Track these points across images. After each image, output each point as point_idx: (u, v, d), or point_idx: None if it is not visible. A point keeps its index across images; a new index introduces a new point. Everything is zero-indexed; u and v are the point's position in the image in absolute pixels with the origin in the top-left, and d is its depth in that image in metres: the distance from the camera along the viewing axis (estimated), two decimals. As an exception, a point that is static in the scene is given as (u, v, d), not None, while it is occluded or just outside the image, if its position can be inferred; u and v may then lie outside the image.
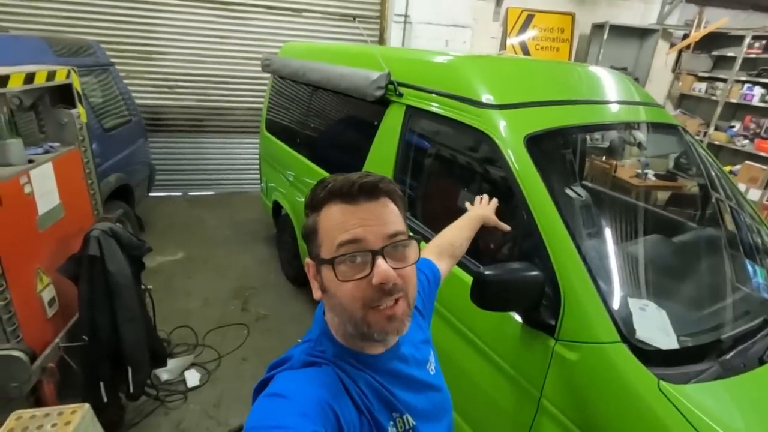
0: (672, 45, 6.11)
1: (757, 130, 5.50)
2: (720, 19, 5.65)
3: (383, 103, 2.08)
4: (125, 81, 4.03)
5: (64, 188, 1.91)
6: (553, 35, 5.80)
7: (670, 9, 5.79)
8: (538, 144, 1.46)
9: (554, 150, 1.70)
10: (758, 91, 5.32)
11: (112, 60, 3.80)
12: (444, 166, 1.91)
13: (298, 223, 3.08)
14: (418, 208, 1.90)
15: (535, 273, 1.26)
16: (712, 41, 5.89)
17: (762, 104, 5.32)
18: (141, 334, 1.93)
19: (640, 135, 1.77)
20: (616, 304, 1.26)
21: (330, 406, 0.57)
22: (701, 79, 6.12)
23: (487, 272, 1.24)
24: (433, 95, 1.80)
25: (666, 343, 1.20)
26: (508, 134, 1.49)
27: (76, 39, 3.32)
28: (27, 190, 1.65)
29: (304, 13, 5.00)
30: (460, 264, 1.58)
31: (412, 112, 1.92)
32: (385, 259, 0.59)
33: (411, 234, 0.66)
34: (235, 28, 4.83)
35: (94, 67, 3.21)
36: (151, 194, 4.30)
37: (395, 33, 5.20)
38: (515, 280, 1.25)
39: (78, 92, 2.06)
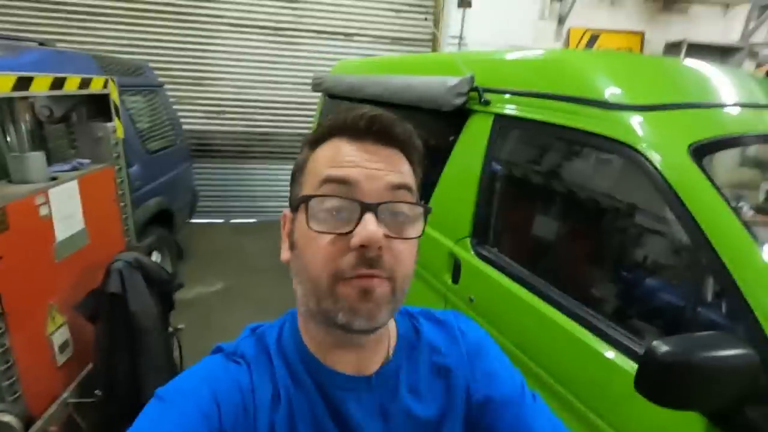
0: (759, 65, 5.46)
1: None
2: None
3: (461, 114, 1.72)
4: (174, 107, 3.96)
5: (91, 211, 1.65)
6: (621, 56, 5.34)
7: (757, 25, 5.20)
8: (709, 156, 1.03)
9: (732, 165, 1.26)
10: None
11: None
12: (553, 192, 1.49)
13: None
14: (517, 252, 1.48)
15: (743, 351, 0.80)
16: (809, 59, 5.22)
17: None
18: (165, 389, 1.59)
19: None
20: None
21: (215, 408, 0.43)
22: (795, 101, 5.40)
23: (664, 349, 0.80)
24: (534, 99, 1.42)
25: None
26: (661, 143, 1.07)
27: (126, 59, 3.25)
28: (43, 212, 1.39)
29: (355, 37, 4.85)
30: (590, 325, 1.13)
31: (502, 122, 1.54)
32: (377, 218, 0.43)
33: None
34: (284, 53, 4.75)
35: (142, 87, 3.09)
36: (192, 221, 4.13)
37: (449, 55, 4.95)
38: (713, 363, 0.79)
39: (116, 104, 1.84)
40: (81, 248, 1.60)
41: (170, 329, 1.74)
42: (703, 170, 1.00)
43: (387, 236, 0.43)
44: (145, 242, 2.19)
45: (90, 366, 1.58)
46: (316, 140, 0.49)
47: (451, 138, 1.77)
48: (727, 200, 0.96)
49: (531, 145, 1.55)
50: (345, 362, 0.50)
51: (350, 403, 0.48)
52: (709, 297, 0.97)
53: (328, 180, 0.44)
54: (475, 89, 1.62)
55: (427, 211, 0.47)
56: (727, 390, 0.82)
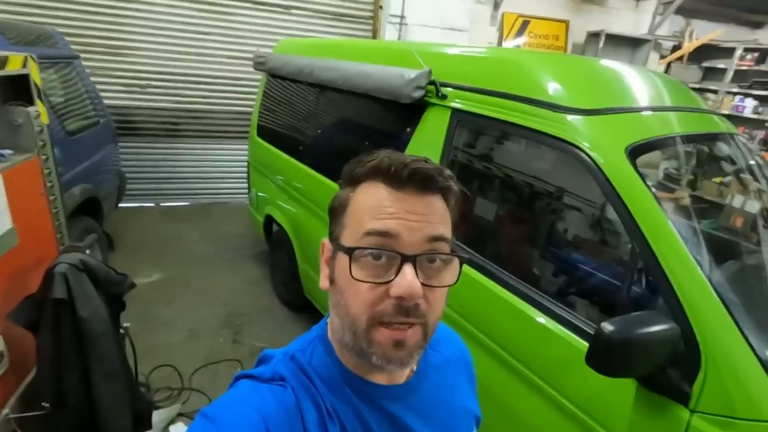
0: (662, 56, 6.12)
1: (750, 142, 5.55)
2: (706, 32, 5.71)
3: (418, 107, 1.77)
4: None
5: (18, 208, 1.48)
6: (548, 42, 5.68)
7: (661, 20, 5.79)
8: (643, 157, 1.19)
9: (663, 164, 1.44)
10: (750, 102, 5.37)
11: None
12: (505, 185, 1.60)
13: (298, 241, 2.71)
14: (471, 239, 1.58)
15: (668, 325, 0.97)
16: (701, 53, 5.94)
17: (754, 116, 5.37)
18: (121, 394, 1.52)
19: (725, 147, 1.54)
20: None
21: None
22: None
23: (609, 328, 0.94)
24: (489, 96, 1.50)
25: None
26: (602, 144, 1.21)
27: (34, 26, 2.83)
28: (-34, 213, 1.23)
29: (293, 11, 4.63)
30: (539, 304, 1.27)
31: (459, 117, 1.61)
32: (415, 270, 0.46)
33: (454, 251, 0.51)
34: (216, 24, 4.40)
35: (55, 59, 2.73)
36: (120, 205, 3.79)
37: (389, 34, 4.91)
38: (647, 337, 0.95)
39: (37, 86, 1.63)
40: (10, 250, 1.44)
41: (121, 330, 1.64)
42: (637, 170, 1.16)
43: (423, 285, 0.46)
44: (86, 241, 2.00)
45: (30, 378, 1.46)
46: (356, 179, 0.51)
47: (408, 129, 1.82)
48: (656, 197, 1.13)
49: (486, 141, 1.65)
50: (380, 377, 0.54)
51: (400, 408, 0.54)
52: (641, 276, 1.14)
53: (371, 233, 0.46)
54: (432, 83, 1.68)
55: (462, 261, 0.50)
56: (656, 357, 0.99)
